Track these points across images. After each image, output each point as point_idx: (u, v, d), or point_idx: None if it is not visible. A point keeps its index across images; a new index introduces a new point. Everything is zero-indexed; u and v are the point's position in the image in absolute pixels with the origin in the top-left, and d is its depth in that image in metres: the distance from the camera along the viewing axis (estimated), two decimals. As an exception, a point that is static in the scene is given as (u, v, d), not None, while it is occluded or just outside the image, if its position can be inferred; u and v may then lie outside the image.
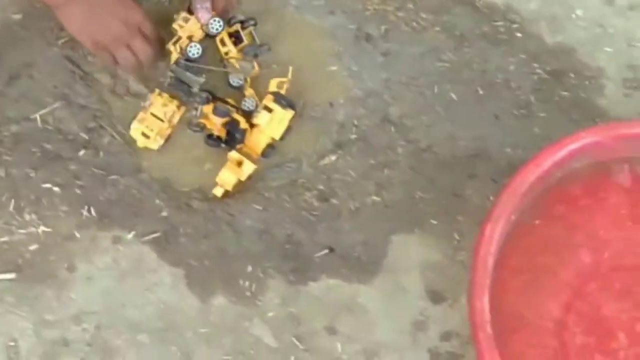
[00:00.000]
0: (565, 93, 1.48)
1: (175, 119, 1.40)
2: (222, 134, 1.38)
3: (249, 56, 1.41)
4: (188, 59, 1.37)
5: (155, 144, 1.39)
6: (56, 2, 1.31)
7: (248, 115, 1.39)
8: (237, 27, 1.42)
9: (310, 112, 1.44)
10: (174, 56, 1.37)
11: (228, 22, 1.42)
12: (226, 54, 1.41)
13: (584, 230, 1.37)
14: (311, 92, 1.45)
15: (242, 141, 1.38)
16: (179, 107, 1.39)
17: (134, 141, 1.39)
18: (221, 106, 1.36)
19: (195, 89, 1.37)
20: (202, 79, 1.37)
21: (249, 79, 1.42)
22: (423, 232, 1.39)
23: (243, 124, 1.37)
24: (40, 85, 1.41)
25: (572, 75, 1.49)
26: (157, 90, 1.39)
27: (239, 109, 1.39)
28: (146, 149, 1.39)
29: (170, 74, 1.39)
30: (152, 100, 1.38)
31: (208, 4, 1.38)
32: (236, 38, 1.42)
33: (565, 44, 1.51)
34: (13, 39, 1.42)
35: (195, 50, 1.37)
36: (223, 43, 1.41)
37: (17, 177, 1.36)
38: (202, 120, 1.38)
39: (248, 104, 1.39)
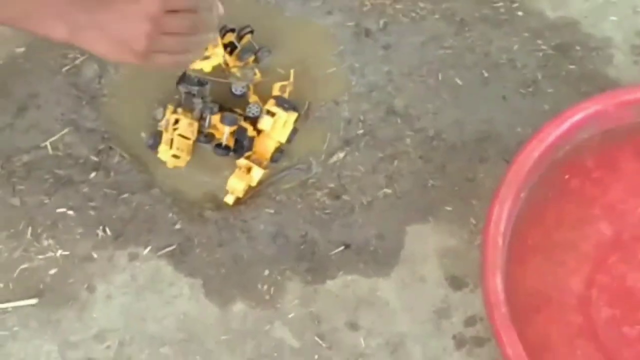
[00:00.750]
0: (573, 67, 1.51)
1: (196, 133, 1.46)
2: (231, 143, 1.44)
3: (245, 59, 1.47)
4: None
5: (183, 161, 1.45)
6: (59, 39, 1.16)
7: (254, 121, 1.44)
8: (230, 36, 1.47)
9: (315, 112, 1.49)
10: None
11: (220, 33, 1.47)
12: (226, 64, 1.46)
13: (600, 202, 1.40)
14: (315, 92, 1.51)
15: (250, 148, 1.43)
16: (196, 121, 1.45)
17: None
18: (229, 115, 1.41)
19: (207, 99, 1.43)
20: (207, 85, 1.43)
21: (251, 86, 1.47)
22: (438, 219, 1.43)
23: (250, 131, 1.43)
24: (48, 114, 1.48)
25: (577, 48, 1.53)
26: (170, 107, 1.46)
27: (245, 117, 1.44)
28: (175, 167, 1.46)
29: (182, 88, 1.44)
30: (167, 118, 1.43)
31: None
32: (231, 48, 1.47)
33: (568, 17, 1.55)
34: (18, 71, 1.51)
35: None
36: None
37: (32, 205, 1.42)
38: (211, 131, 1.44)
39: (253, 110, 1.44)
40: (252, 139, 1.43)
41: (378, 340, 1.37)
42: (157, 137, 1.44)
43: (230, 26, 1.49)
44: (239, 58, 1.48)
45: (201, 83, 1.44)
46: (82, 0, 1.13)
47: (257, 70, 1.48)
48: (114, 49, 1.16)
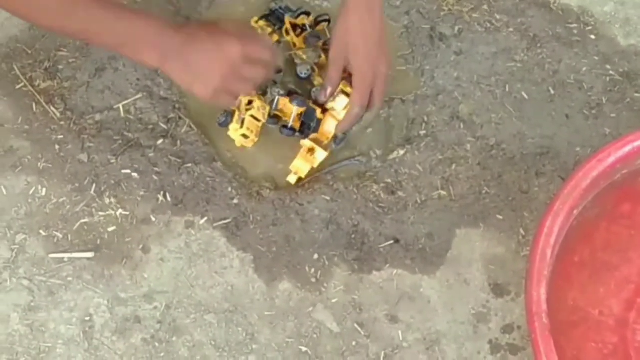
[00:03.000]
0: (638, 95, 1.54)
1: (266, 116, 1.49)
2: (297, 124, 1.47)
3: (312, 44, 1.51)
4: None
5: (251, 142, 1.49)
6: (151, 65, 1.33)
7: (318, 104, 1.48)
8: (303, 19, 1.51)
9: (381, 108, 1.52)
10: None
11: (295, 14, 1.53)
12: (293, 44, 1.50)
13: (649, 229, 1.42)
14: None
15: (316, 130, 1.46)
16: (268, 105, 1.49)
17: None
18: (299, 97, 1.46)
19: (279, 80, 1.49)
20: (282, 73, 1.50)
21: (316, 69, 1.50)
22: (488, 226, 1.47)
23: (319, 113, 1.46)
24: (124, 78, 1.54)
25: (644, 77, 1.55)
26: None
27: (310, 100, 1.48)
28: (242, 147, 1.50)
29: None
30: (241, 98, 1.46)
31: None
32: (302, 29, 1.51)
33: (638, 46, 1.56)
34: (101, 33, 1.55)
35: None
36: (287, 33, 1.50)
37: (98, 163, 1.48)
38: (277, 112, 1.48)
39: (317, 92, 1.48)
40: (319, 121, 1.47)
41: (415, 335, 1.41)
42: (229, 115, 1.48)
43: (305, 9, 1.55)
44: (305, 41, 1.52)
45: (279, 70, 1.48)
46: (173, 36, 1.29)
47: (322, 53, 1.51)
48: (191, 80, 1.32)
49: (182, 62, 1.31)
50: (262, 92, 1.48)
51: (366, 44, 1.37)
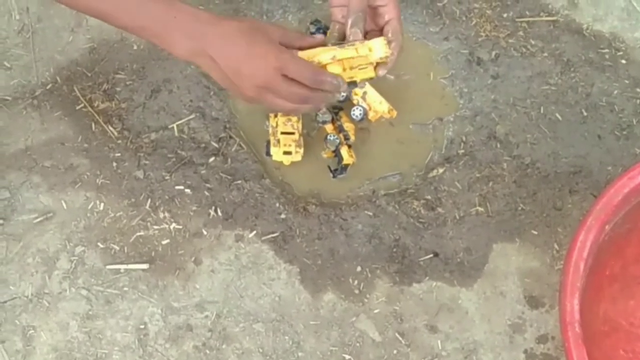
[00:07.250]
0: (667, 116, 1.59)
1: (300, 127, 1.54)
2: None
3: None
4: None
5: (298, 155, 1.54)
6: (180, 56, 1.23)
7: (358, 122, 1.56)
8: None
9: (421, 128, 1.59)
10: None
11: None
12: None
13: (678, 244, 1.46)
14: (424, 109, 1.62)
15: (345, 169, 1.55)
16: (297, 118, 1.55)
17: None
18: (332, 136, 1.54)
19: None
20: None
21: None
22: (523, 241, 1.52)
23: (346, 159, 1.54)
24: (178, 99, 1.61)
25: (675, 101, 1.60)
26: (271, 115, 1.54)
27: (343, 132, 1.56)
28: (292, 164, 1.55)
29: None
30: (270, 123, 1.54)
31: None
32: None
33: (668, 71, 1.62)
34: (156, 57, 1.63)
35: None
36: None
37: (153, 179, 1.55)
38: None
39: (356, 112, 1.54)
40: (345, 167, 1.55)
41: (454, 345, 1.46)
42: (267, 144, 1.54)
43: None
44: None
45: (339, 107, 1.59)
46: (207, 27, 1.20)
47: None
48: (225, 82, 1.25)
49: (212, 60, 1.21)
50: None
51: None
